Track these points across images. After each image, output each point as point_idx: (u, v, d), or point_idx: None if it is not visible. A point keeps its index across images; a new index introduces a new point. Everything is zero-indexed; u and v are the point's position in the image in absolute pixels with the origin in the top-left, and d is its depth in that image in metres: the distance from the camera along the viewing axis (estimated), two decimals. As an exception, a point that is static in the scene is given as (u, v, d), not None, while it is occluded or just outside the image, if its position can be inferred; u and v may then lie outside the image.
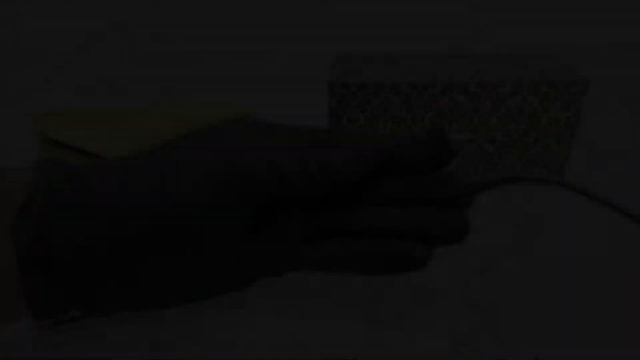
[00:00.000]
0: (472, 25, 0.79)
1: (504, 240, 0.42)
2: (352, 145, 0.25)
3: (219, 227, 0.23)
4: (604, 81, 0.66)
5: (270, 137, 0.25)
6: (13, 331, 0.32)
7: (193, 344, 0.31)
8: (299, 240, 0.26)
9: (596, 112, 0.63)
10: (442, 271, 0.38)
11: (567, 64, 0.52)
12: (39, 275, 0.22)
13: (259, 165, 0.23)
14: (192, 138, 0.25)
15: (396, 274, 0.26)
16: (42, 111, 0.54)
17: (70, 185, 0.22)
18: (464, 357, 0.29)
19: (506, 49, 0.76)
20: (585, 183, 0.51)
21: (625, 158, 0.56)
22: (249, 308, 0.34)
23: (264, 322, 0.33)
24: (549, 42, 0.75)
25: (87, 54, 0.76)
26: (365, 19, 0.82)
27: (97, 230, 0.22)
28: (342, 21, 0.81)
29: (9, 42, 0.81)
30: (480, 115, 0.50)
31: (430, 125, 0.51)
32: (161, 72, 0.72)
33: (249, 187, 0.23)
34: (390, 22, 0.80)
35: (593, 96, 0.64)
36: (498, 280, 0.37)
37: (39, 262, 0.22)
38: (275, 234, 0.26)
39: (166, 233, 0.22)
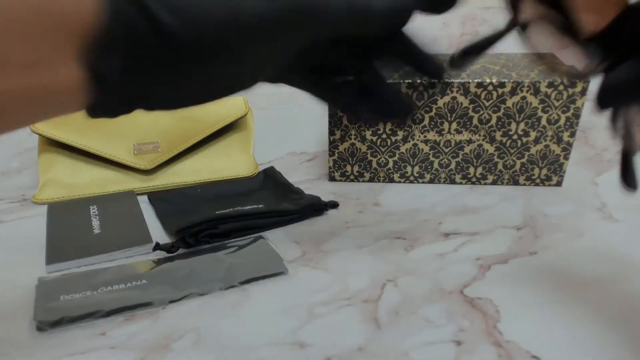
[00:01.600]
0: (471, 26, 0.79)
1: (504, 241, 0.42)
2: None
3: (272, 49, 0.28)
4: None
5: None
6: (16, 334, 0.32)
7: (193, 344, 0.31)
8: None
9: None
10: (443, 271, 0.38)
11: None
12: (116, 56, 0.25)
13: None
14: None
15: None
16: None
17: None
18: (463, 357, 0.29)
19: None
20: (585, 185, 0.51)
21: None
22: (249, 307, 0.34)
23: (264, 321, 0.33)
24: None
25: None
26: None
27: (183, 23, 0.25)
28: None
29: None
30: (480, 115, 0.50)
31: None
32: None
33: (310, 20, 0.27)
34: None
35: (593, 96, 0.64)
36: (498, 280, 0.37)
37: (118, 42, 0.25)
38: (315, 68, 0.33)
39: (232, 37, 0.26)
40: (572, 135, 0.48)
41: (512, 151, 0.50)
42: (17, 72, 0.25)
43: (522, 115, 0.48)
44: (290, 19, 0.27)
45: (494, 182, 0.52)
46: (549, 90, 0.47)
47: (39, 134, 0.52)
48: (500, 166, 0.51)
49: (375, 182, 0.54)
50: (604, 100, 0.29)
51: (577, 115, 0.48)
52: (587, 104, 0.57)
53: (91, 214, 0.46)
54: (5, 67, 0.25)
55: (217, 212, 0.44)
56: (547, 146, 0.49)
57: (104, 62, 0.26)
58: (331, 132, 0.52)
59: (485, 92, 0.49)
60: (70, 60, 0.25)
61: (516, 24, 0.30)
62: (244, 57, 0.28)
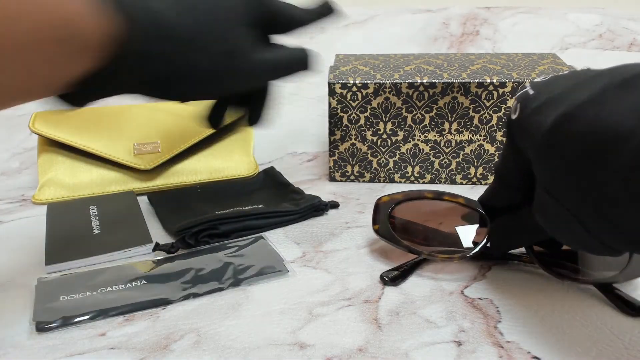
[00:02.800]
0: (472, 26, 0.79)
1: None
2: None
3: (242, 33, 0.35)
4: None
5: None
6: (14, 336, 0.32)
7: (193, 344, 0.31)
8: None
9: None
10: (443, 271, 0.38)
11: (567, 63, 0.52)
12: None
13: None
14: None
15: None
16: (39, 111, 0.54)
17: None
18: (464, 357, 0.29)
19: (506, 49, 0.76)
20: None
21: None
22: (249, 307, 0.34)
23: (264, 321, 0.33)
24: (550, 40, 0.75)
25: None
26: (364, 18, 0.82)
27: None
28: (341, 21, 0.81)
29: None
30: (481, 116, 0.49)
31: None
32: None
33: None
34: (389, 21, 0.80)
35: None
36: (499, 280, 0.37)
37: None
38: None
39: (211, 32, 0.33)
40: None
41: (512, 151, 0.50)
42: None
43: (522, 115, 0.48)
44: None
45: (494, 182, 0.52)
46: (550, 90, 0.47)
47: (39, 134, 0.52)
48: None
49: (376, 182, 0.54)
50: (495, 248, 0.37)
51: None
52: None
53: (91, 214, 0.46)
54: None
55: (217, 212, 0.44)
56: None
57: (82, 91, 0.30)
58: (331, 132, 0.52)
59: (486, 92, 0.49)
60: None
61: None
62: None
